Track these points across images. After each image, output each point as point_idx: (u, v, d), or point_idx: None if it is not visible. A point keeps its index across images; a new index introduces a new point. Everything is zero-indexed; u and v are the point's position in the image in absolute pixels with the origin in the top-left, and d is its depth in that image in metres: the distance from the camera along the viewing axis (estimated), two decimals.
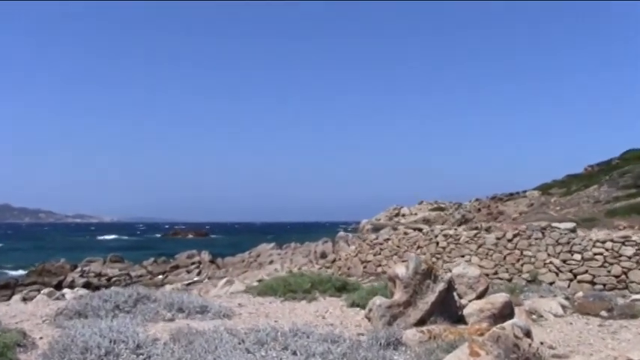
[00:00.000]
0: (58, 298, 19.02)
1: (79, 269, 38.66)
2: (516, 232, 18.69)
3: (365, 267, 22.03)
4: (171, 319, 9.67)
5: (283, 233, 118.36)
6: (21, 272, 43.43)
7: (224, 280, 24.10)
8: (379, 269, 21.50)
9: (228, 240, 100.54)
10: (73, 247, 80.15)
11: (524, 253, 18.19)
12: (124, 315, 9.41)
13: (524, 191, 59.55)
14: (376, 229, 54.09)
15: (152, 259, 43.07)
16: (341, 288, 13.78)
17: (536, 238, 18.23)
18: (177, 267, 39.46)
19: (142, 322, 9.14)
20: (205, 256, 41.61)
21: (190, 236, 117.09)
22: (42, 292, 19.31)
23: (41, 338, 8.37)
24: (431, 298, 10.01)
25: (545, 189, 56.46)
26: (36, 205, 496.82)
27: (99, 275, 36.93)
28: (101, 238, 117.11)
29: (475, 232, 19.68)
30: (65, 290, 20.48)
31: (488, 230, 19.95)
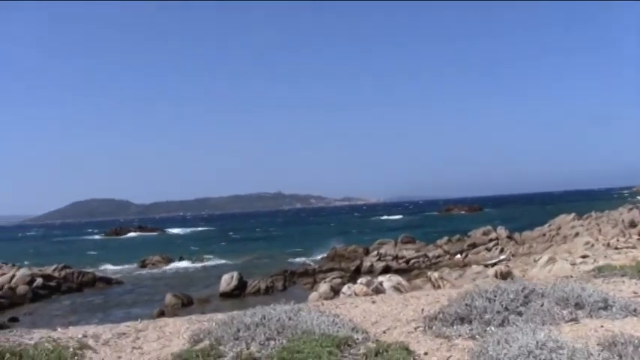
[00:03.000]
0: (377, 288, 17.91)
1: (374, 253, 38.15)
2: None
3: None
4: (574, 319, 7.48)
5: (556, 203, 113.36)
6: (311, 259, 44.31)
7: (544, 257, 21.62)
8: None
9: (502, 213, 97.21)
10: (351, 230, 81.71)
11: None
12: (515, 317, 7.41)
13: None
14: None
15: (446, 237, 41.43)
16: None
17: None
18: (474, 245, 37.15)
19: (540, 325, 7.10)
20: (502, 231, 38.99)
21: (464, 212, 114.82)
22: (359, 281, 18.44)
23: (426, 354, 6.63)
24: None
25: None
26: (306, 191, 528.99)
27: (395, 258, 35.94)
28: (378, 218, 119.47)
29: None
30: (380, 278, 19.48)
31: None
